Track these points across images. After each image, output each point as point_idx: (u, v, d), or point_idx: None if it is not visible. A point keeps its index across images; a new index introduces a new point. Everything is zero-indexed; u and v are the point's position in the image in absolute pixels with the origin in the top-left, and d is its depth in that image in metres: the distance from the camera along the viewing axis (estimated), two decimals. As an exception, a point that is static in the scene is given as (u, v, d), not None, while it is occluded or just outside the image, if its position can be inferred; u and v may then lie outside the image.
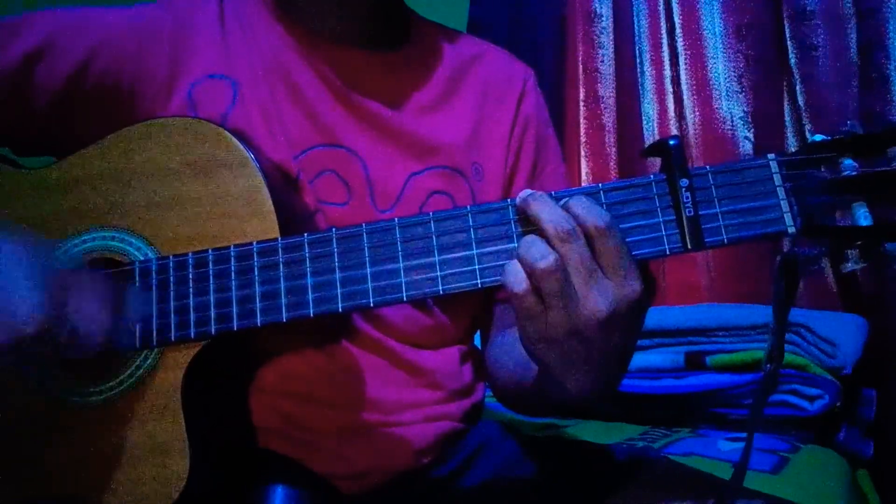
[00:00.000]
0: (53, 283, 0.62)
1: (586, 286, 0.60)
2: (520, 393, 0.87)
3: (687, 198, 0.62)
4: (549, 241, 0.60)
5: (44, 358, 0.64)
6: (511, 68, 1.02)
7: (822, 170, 0.62)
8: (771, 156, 0.63)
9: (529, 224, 0.64)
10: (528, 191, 0.64)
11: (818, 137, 0.62)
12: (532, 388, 0.78)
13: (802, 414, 1.40)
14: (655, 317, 1.63)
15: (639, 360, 1.59)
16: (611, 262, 0.60)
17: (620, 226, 0.62)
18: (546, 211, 0.61)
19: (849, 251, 0.60)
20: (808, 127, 1.74)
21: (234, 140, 0.75)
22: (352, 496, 0.80)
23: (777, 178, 0.63)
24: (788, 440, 1.36)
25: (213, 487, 0.73)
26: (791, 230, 0.62)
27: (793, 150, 0.65)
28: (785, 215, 0.62)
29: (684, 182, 0.63)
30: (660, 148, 0.64)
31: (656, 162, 0.66)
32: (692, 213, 0.62)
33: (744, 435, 1.35)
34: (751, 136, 1.86)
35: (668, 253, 0.63)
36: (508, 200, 0.66)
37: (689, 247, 0.62)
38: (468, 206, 0.66)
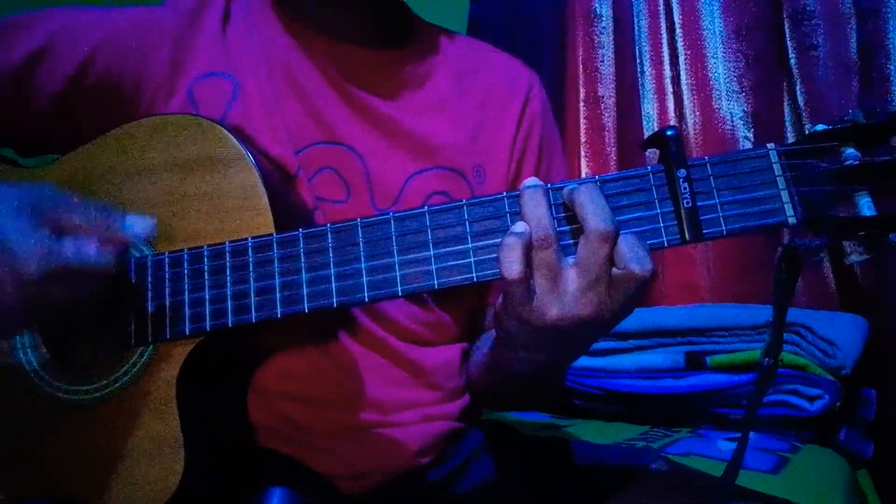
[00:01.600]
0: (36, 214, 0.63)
1: (553, 292, 0.62)
2: (482, 378, 0.89)
3: (685, 189, 0.62)
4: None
5: (51, 306, 0.64)
6: (516, 73, 1.02)
7: (824, 160, 0.61)
8: (770, 146, 0.63)
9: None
10: (532, 180, 0.64)
11: (819, 127, 0.61)
12: (489, 360, 0.80)
13: (802, 414, 1.40)
14: (655, 317, 1.63)
15: (639, 360, 1.60)
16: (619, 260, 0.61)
17: (618, 218, 0.62)
18: (533, 213, 0.62)
19: (852, 243, 0.60)
20: (808, 127, 1.74)
21: (230, 136, 0.74)
22: (351, 496, 0.80)
23: (777, 169, 0.62)
24: (788, 440, 1.36)
25: (211, 486, 0.73)
26: (792, 221, 0.61)
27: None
28: (785, 206, 0.61)
29: (681, 173, 0.62)
30: (657, 139, 0.64)
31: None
32: (690, 205, 0.62)
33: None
34: (751, 136, 1.85)
35: (666, 245, 0.63)
36: (504, 193, 0.66)
37: (688, 238, 0.62)
38: (463, 200, 0.66)
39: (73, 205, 0.66)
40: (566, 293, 0.61)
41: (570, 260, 0.62)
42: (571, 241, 0.63)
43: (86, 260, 0.62)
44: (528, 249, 0.61)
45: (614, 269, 0.61)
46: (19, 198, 0.63)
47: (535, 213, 0.61)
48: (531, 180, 0.64)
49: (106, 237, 0.65)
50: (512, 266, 0.61)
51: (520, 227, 0.62)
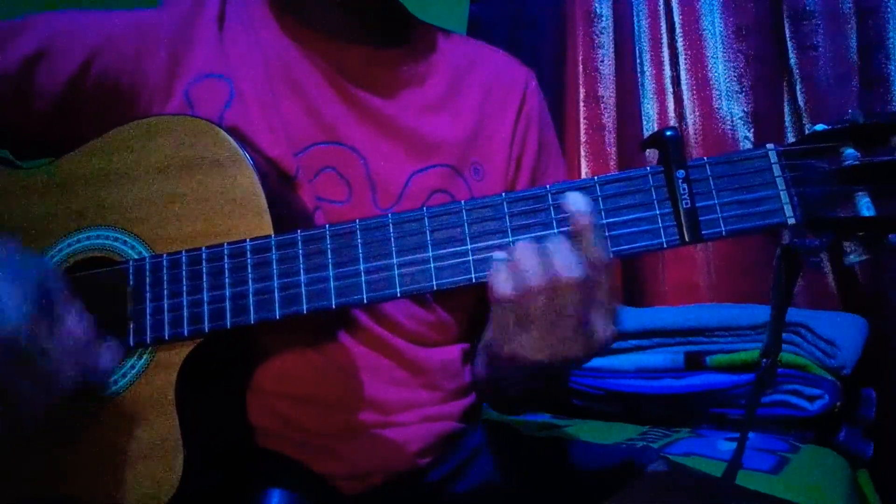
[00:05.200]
0: (39, 292, 0.61)
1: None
2: (487, 388, 0.90)
3: (684, 189, 0.62)
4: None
5: (35, 373, 0.62)
6: (513, 71, 1.02)
7: (824, 160, 0.61)
8: (770, 146, 0.63)
9: (523, 219, 0.64)
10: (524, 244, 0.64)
11: (819, 127, 0.61)
12: (489, 378, 0.81)
13: (802, 414, 1.40)
14: (655, 317, 1.63)
15: (639, 360, 1.60)
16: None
17: (616, 219, 0.62)
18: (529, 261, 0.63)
19: (851, 243, 0.60)
20: (808, 127, 1.74)
21: (228, 137, 0.74)
22: (352, 496, 0.80)
23: (776, 169, 0.62)
24: (788, 440, 1.36)
25: (210, 487, 0.73)
26: (791, 221, 0.61)
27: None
28: (784, 206, 0.62)
29: (681, 173, 0.62)
30: (656, 140, 0.64)
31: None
32: (689, 205, 0.62)
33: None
34: (751, 135, 1.85)
35: (665, 246, 0.63)
36: (503, 195, 0.66)
37: (687, 239, 0.62)
38: (462, 202, 0.66)
39: (75, 306, 0.65)
40: (555, 339, 0.63)
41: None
42: None
43: (55, 360, 0.61)
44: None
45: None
46: (26, 267, 0.63)
47: (528, 263, 0.63)
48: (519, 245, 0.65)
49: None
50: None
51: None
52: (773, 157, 0.63)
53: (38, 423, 0.63)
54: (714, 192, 0.63)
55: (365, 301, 0.67)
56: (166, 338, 0.70)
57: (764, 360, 0.64)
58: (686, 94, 1.93)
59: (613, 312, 0.64)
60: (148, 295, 0.71)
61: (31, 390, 0.61)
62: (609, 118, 2.05)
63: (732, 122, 1.87)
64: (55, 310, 0.63)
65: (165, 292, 0.71)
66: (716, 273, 1.85)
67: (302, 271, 0.68)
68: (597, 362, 1.63)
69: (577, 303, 0.61)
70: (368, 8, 0.91)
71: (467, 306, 0.93)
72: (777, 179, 0.62)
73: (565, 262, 0.61)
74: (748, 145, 1.85)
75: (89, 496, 0.70)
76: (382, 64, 0.92)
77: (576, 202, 0.64)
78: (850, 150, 0.60)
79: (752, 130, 1.85)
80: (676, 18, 1.96)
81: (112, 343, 0.67)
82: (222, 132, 0.75)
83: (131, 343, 0.71)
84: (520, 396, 0.78)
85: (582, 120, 2.07)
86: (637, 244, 0.63)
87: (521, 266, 0.62)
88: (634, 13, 2.02)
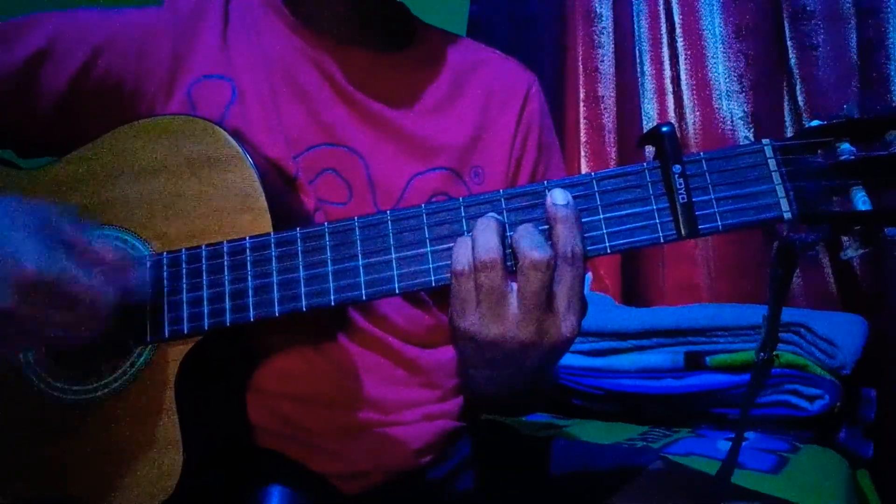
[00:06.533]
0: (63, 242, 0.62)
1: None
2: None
3: (680, 184, 0.62)
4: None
5: (39, 321, 0.62)
6: (515, 74, 1.02)
7: (819, 155, 0.61)
8: (766, 141, 0.63)
9: (521, 214, 0.64)
10: (490, 215, 0.65)
11: (815, 123, 0.62)
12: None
13: (802, 414, 1.39)
14: (655, 317, 1.62)
15: (639, 360, 1.59)
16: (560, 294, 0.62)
17: (614, 213, 0.62)
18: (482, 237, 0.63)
19: (848, 237, 0.60)
20: (808, 127, 1.74)
21: (228, 136, 0.75)
22: (351, 496, 0.80)
23: (772, 164, 0.62)
24: (788, 440, 1.36)
25: (209, 486, 0.73)
26: (787, 216, 0.61)
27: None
28: (781, 201, 0.62)
29: (677, 168, 0.62)
30: (653, 136, 0.64)
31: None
32: (685, 200, 0.62)
33: (744, 436, 1.35)
34: (751, 136, 1.85)
35: (662, 241, 0.63)
36: (500, 192, 0.66)
37: (684, 234, 0.62)
38: (460, 199, 0.66)
39: (88, 232, 0.66)
40: (507, 316, 0.62)
41: (515, 286, 0.63)
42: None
43: (87, 284, 0.62)
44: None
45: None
46: (33, 213, 0.63)
47: (484, 238, 0.63)
48: (485, 217, 0.65)
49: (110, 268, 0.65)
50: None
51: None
52: (769, 152, 0.63)
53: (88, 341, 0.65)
54: (710, 186, 0.63)
55: (364, 298, 0.67)
56: (166, 336, 0.70)
57: (761, 353, 0.64)
58: (686, 94, 1.94)
59: (576, 311, 0.63)
60: (148, 293, 0.71)
61: (73, 316, 0.63)
62: (609, 118, 2.05)
63: (732, 122, 1.87)
64: (68, 236, 0.64)
65: (165, 290, 0.71)
66: (716, 273, 1.85)
67: (301, 268, 0.68)
68: (597, 362, 1.63)
69: (534, 288, 0.61)
70: (372, 11, 0.92)
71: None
72: (773, 174, 0.62)
73: (525, 242, 0.62)
74: (748, 146, 1.85)
75: (89, 495, 0.70)
76: (385, 67, 0.92)
77: (552, 195, 0.64)
78: (845, 145, 0.60)
79: (752, 131, 1.85)
80: (676, 19, 1.96)
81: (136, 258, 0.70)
82: (223, 132, 0.75)
83: (131, 341, 0.71)
84: (492, 392, 0.78)
85: (582, 120, 2.08)
86: (634, 239, 0.63)
87: (478, 240, 0.63)
88: (634, 13, 2.02)
